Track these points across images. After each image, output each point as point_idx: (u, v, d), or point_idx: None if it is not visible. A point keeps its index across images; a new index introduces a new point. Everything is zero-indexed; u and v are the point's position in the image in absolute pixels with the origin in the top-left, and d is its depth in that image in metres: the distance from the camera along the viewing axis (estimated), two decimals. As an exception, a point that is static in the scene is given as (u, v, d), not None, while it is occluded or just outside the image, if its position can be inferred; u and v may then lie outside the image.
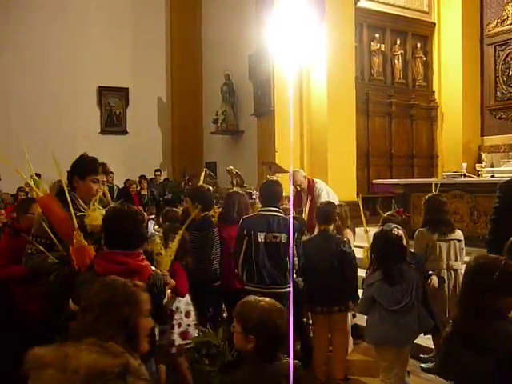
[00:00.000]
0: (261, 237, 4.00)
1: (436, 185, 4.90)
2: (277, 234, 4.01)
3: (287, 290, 3.93)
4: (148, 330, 1.92)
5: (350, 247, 4.28)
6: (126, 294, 1.87)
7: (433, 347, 4.58)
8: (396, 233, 3.66)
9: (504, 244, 3.56)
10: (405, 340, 3.53)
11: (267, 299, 2.25)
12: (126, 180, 11.26)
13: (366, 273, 3.81)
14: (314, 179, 6.65)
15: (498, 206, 3.68)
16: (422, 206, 4.62)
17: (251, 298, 2.27)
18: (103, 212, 2.94)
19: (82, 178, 3.22)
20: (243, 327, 2.15)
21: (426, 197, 4.61)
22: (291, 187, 6.23)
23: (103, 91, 13.66)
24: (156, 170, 12.84)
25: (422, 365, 4.54)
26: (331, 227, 4.28)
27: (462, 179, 7.46)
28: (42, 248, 3.05)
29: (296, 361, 2.23)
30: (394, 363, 3.52)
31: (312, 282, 4.20)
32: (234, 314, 2.26)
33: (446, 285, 4.37)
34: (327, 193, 6.31)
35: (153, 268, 2.67)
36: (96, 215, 3.04)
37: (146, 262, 2.57)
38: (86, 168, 3.24)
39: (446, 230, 4.41)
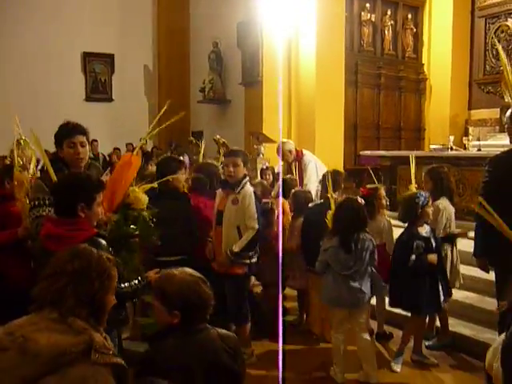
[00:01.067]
0: None
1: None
2: None
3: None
4: (110, 307, 1.85)
5: None
6: (99, 267, 1.78)
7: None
8: (359, 202, 4.04)
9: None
10: (356, 303, 3.85)
11: (185, 270, 2.14)
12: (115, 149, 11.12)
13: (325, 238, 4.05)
14: (303, 150, 6.61)
15: (488, 180, 3.66)
16: (425, 177, 4.66)
17: (168, 271, 2.15)
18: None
19: (60, 146, 3.13)
20: (166, 304, 2.05)
21: (432, 168, 4.62)
22: (280, 158, 6.20)
23: (88, 57, 13.34)
24: (141, 139, 12.67)
25: (426, 342, 4.59)
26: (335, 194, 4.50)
27: (449, 152, 7.47)
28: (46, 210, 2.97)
29: (232, 333, 2.21)
30: (344, 321, 3.91)
31: (310, 245, 4.48)
32: (153, 289, 2.18)
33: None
34: (315, 164, 6.28)
35: (101, 241, 2.50)
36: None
37: (74, 233, 2.43)
38: (60, 134, 3.15)
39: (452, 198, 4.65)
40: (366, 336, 3.96)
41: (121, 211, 3.05)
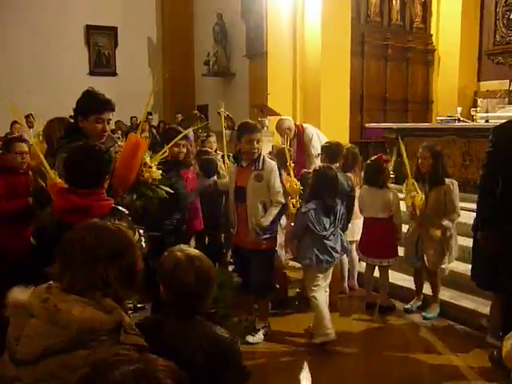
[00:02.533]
0: None
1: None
2: None
3: None
4: (141, 269, 1.79)
5: (349, 186, 4.67)
6: (125, 238, 1.72)
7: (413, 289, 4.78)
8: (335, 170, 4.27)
9: (495, 189, 3.53)
10: (332, 260, 4.14)
11: (192, 251, 2.01)
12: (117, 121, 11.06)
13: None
14: (304, 125, 6.52)
15: (492, 150, 3.59)
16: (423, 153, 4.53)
17: (177, 247, 2.04)
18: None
19: (85, 118, 2.98)
20: (158, 273, 1.98)
21: (434, 150, 4.53)
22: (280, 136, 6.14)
23: (91, 30, 13.21)
24: (148, 113, 12.61)
25: (405, 306, 4.73)
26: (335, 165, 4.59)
27: (455, 124, 7.35)
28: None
29: (226, 336, 1.97)
30: (320, 279, 4.14)
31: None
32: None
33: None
34: (318, 136, 6.20)
35: (120, 208, 2.51)
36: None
37: (101, 202, 2.41)
38: (88, 106, 2.99)
39: None
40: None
41: (134, 189, 3.01)
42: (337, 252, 4.18)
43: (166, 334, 1.88)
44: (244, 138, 4.02)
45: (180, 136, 3.72)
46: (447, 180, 4.53)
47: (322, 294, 4.12)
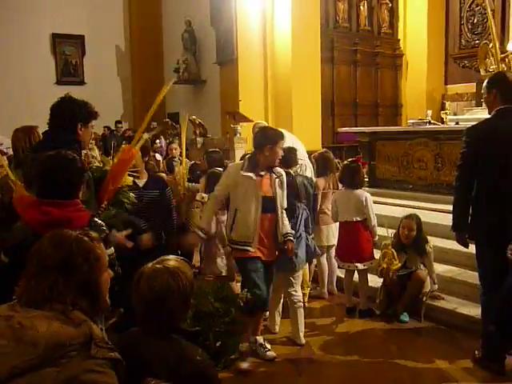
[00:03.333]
0: None
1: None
2: None
3: None
4: (108, 283, 1.73)
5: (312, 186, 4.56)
6: (83, 250, 1.64)
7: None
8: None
9: (471, 190, 3.55)
10: (292, 267, 4.00)
11: (171, 263, 1.89)
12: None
13: None
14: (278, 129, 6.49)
15: (466, 151, 3.61)
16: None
17: (160, 258, 1.95)
18: None
19: (85, 125, 2.95)
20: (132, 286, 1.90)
21: (419, 221, 4.53)
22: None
23: (57, 38, 12.98)
24: (117, 122, 12.43)
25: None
26: (292, 170, 4.40)
27: (428, 126, 7.43)
28: None
29: (199, 349, 1.89)
30: (281, 286, 4.15)
31: None
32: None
33: None
34: (291, 140, 6.17)
35: (98, 220, 2.44)
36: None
37: (80, 213, 2.33)
38: (88, 113, 2.98)
39: None
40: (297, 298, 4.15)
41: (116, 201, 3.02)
42: (300, 258, 4.02)
43: (142, 350, 1.79)
44: (274, 145, 3.74)
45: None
46: (427, 247, 4.51)
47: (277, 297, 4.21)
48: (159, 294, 1.81)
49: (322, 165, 5.20)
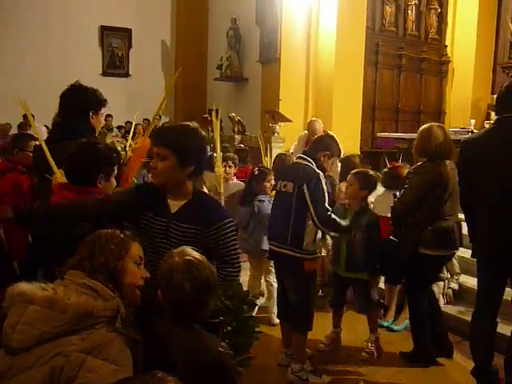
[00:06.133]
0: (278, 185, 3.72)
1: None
2: (286, 183, 3.57)
3: (286, 251, 3.49)
4: (139, 280, 1.76)
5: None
6: (109, 235, 1.77)
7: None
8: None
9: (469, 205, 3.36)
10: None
11: (192, 256, 1.86)
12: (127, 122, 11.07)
13: None
14: (328, 132, 6.48)
15: (457, 164, 3.46)
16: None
17: (179, 249, 1.93)
18: None
19: (96, 112, 3.01)
20: (156, 277, 1.88)
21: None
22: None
23: (105, 31, 13.26)
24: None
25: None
26: None
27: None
28: None
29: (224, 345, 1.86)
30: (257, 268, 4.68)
31: None
32: None
33: None
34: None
35: None
36: None
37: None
38: (99, 100, 3.03)
39: None
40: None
41: None
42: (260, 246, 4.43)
43: (159, 335, 1.81)
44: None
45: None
46: None
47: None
48: (200, 289, 1.82)
49: (345, 169, 4.94)
